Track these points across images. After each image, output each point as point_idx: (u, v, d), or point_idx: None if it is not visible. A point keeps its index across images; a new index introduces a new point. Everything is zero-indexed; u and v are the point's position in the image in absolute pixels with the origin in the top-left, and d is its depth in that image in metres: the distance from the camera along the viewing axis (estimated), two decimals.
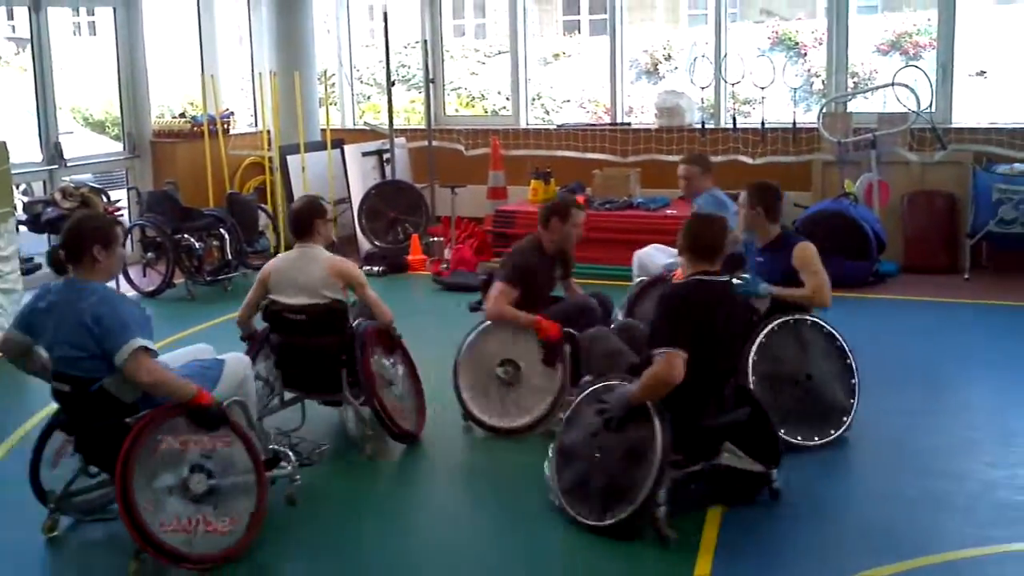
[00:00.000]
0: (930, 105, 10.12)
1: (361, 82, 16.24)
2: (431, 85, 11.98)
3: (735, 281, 5.37)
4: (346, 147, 11.62)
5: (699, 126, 11.11)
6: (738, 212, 6.41)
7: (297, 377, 6.05)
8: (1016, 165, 9.67)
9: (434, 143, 11.74)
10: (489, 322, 6.22)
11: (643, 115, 13.52)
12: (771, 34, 17.06)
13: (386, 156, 11.72)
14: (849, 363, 5.94)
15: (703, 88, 11.28)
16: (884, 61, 16.05)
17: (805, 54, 16.58)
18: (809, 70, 16.15)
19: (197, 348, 5.38)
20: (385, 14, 11.80)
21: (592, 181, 10.94)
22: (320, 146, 11.61)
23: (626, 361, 5.25)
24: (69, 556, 4.98)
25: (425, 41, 12.06)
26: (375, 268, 10.48)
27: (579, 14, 20.14)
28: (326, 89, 12.69)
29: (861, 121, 10.35)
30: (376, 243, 10.95)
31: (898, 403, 6.50)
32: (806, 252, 5.98)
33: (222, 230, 9.92)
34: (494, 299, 6.16)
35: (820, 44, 14.81)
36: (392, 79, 11.81)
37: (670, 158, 10.88)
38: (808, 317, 5.93)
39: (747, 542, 4.85)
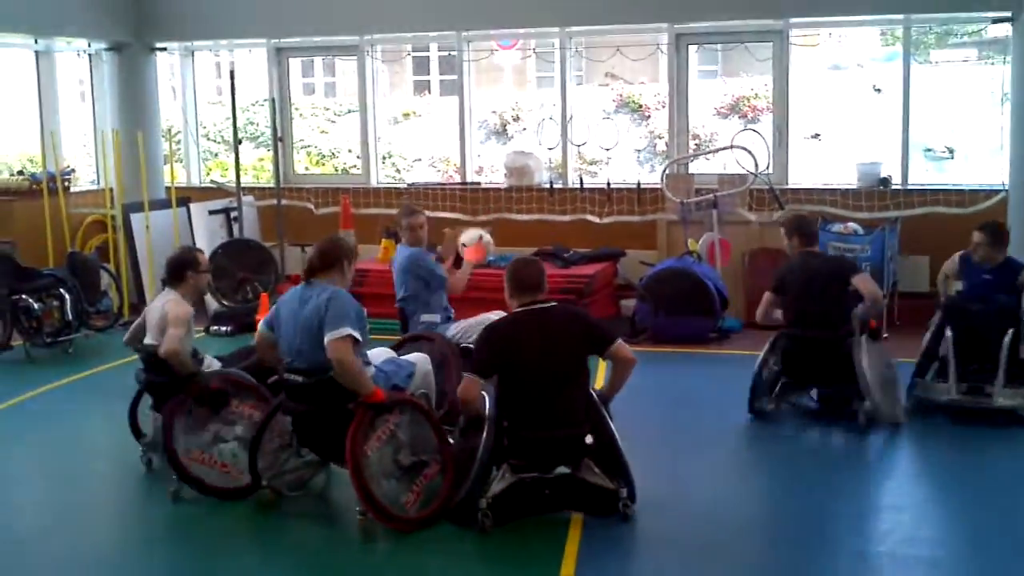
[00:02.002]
0: (768, 167, 10.50)
1: (208, 139, 16.05)
2: (279, 143, 11.90)
3: None
4: (192, 205, 11.44)
5: (547, 186, 11.30)
6: (974, 245, 7.58)
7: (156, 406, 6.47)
8: (850, 224, 10.09)
9: (283, 201, 11.64)
10: None
11: (493, 175, 13.68)
12: (616, 97, 17.49)
13: (233, 214, 11.57)
14: None
15: (551, 149, 11.50)
16: (724, 124, 16.59)
17: (648, 116, 17.03)
18: (652, 132, 16.59)
19: (382, 351, 6.32)
20: (232, 72, 11.71)
21: (443, 240, 10.96)
22: (165, 204, 11.40)
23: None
24: (288, 522, 5.77)
25: (273, 99, 12.00)
26: (223, 328, 10.32)
27: (429, 74, 20.31)
28: (171, 146, 12.50)
29: (702, 182, 10.67)
30: (224, 302, 10.76)
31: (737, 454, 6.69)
32: None
33: (62, 290, 9.61)
34: None
35: (662, 107, 15.24)
36: (239, 137, 11.69)
37: (520, 217, 11.05)
38: None
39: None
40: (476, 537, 5.45)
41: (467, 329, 7.26)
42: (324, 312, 5.42)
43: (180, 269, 6.51)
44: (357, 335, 5.44)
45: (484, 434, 5.57)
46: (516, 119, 17.71)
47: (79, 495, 6.52)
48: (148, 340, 6.42)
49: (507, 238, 11.01)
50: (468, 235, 8.18)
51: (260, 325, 5.92)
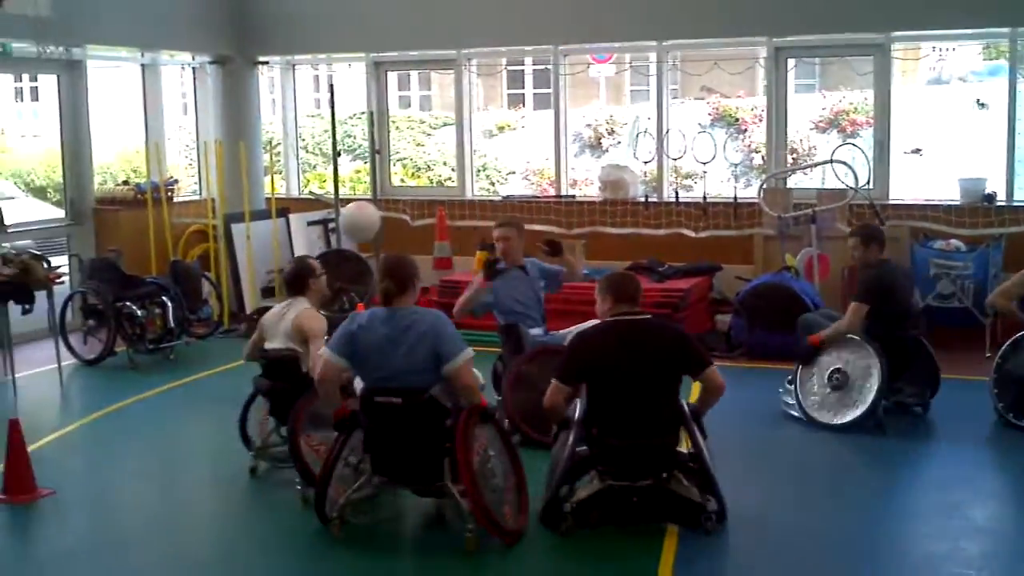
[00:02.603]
0: (868, 182, 10.35)
1: (306, 151, 16.28)
2: (377, 155, 12.05)
3: None
4: (291, 216, 11.61)
5: (642, 199, 11.26)
6: None
7: (274, 411, 6.62)
8: (952, 241, 9.89)
9: (380, 213, 11.77)
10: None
11: (587, 188, 13.68)
12: (712, 110, 17.37)
13: (331, 225, 11.72)
14: None
15: (646, 162, 11.46)
16: (822, 138, 16.39)
17: (745, 130, 16.88)
18: (749, 146, 16.44)
19: None
20: (331, 86, 11.90)
21: (537, 253, 10.98)
22: (265, 215, 11.60)
23: None
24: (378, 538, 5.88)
25: (371, 112, 12.14)
26: None
27: (523, 88, 20.38)
28: (271, 158, 12.71)
29: (801, 197, 10.55)
30: (321, 312, 10.86)
31: (831, 476, 6.59)
32: None
33: (165, 298, 9.83)
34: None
35: (760, 121, 15.10)
36: (338, 149, 11.85)
37: (615, 230, 11.02)
38: None
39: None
40: (572, 544, 5.50)
41: None
42: (437, 338, 5.48)
43: (301, 279, 6.76)
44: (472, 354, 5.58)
45: (569, 437, 5.66)
46: (611, 132, 17.69)
47: (178, 499, 6.68)
48: (272, 345, 6.57)
49: (601, 251, 11.01)
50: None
51: (327, 353, 5.71)
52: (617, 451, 5.60)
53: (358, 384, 5.84)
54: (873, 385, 7.27)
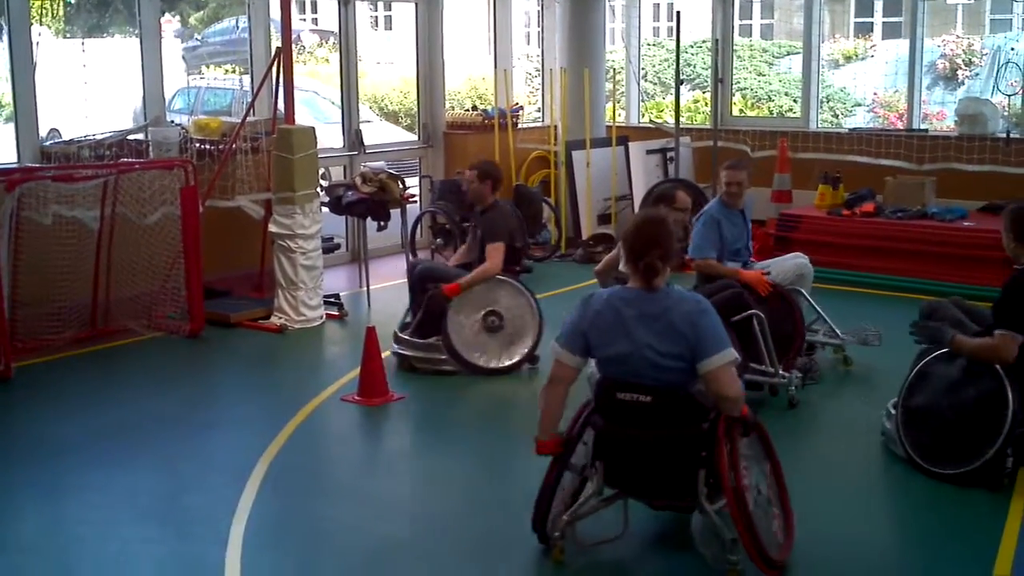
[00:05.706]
0: None
1: (645, 80, 16.28)
2: (720, 85, 11.86)
3: None
4: (631, 144, 11.66)
5: (1003, 135, 10.54)
6: None
7: None
8: None
9: (719, 143, 11.63)
10: None
11: (938, 122, 12.97)
12: None
13: (670, 155, 11.70)
14: None
15: (1009, 96, 10.72)
16: None
17: None
18: None
19: None
20: (678, 13, 11.80)
21: (883, 188, 10.57)
22: (605, 142, 11.70)
23: (968, 331, 5.58)
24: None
25: (716, 40, 11.96)
26: None
27: (872, 16, 19.48)
28: (614, 87, 12.78)
29: None
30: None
31: None
32: None
33: None
34: None
35: None
36: (680, 78, 11.77)
37: (970, 167, 10.40)
38: None
39: None
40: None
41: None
42: (694, 329, 4.35)
43: (656, 202, 6.60)
44: (737, 358, 4.48)
45: (1011, 390, 5.25)
46: (968, 64, 16.63)
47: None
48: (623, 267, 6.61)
49: (953, 190, 10.41)
50: None
51: (558, 350, 4.58)
52: None
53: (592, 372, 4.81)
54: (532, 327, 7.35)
